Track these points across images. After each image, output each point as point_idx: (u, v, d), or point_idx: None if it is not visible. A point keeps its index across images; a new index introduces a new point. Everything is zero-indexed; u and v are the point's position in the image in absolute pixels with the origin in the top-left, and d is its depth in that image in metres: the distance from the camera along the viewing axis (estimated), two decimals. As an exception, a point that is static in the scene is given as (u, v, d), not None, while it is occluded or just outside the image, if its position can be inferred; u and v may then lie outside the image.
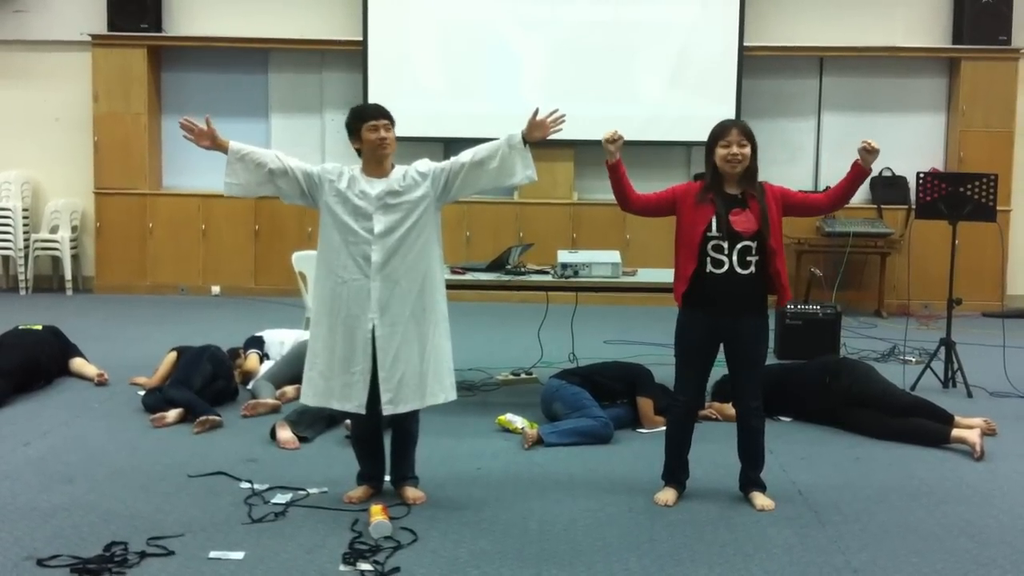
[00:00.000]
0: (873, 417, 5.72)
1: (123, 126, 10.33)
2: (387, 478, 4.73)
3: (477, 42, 10.25)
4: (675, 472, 4.71)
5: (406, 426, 4.58)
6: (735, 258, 4.44)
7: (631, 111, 10.08)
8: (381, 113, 4.48)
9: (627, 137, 11.19)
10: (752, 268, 4.46)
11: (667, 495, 4.63)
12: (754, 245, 4.45)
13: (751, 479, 4.68)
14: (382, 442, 4.68)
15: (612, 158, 4.65)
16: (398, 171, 4.51)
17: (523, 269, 6.42)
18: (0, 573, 3.77)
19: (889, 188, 10.32)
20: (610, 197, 11.45)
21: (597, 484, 4.85)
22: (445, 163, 4.57)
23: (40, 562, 3.84)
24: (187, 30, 10.54)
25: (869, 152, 4.51)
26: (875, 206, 10.20)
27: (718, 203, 4.47)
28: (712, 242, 4.45)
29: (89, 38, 10.31)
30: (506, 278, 6.27)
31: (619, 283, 6.30)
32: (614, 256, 6.37)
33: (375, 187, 4.44)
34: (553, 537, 4.20)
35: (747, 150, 4.45)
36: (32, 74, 10.66)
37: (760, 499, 4.60)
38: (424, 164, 4.56)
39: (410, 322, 4.41)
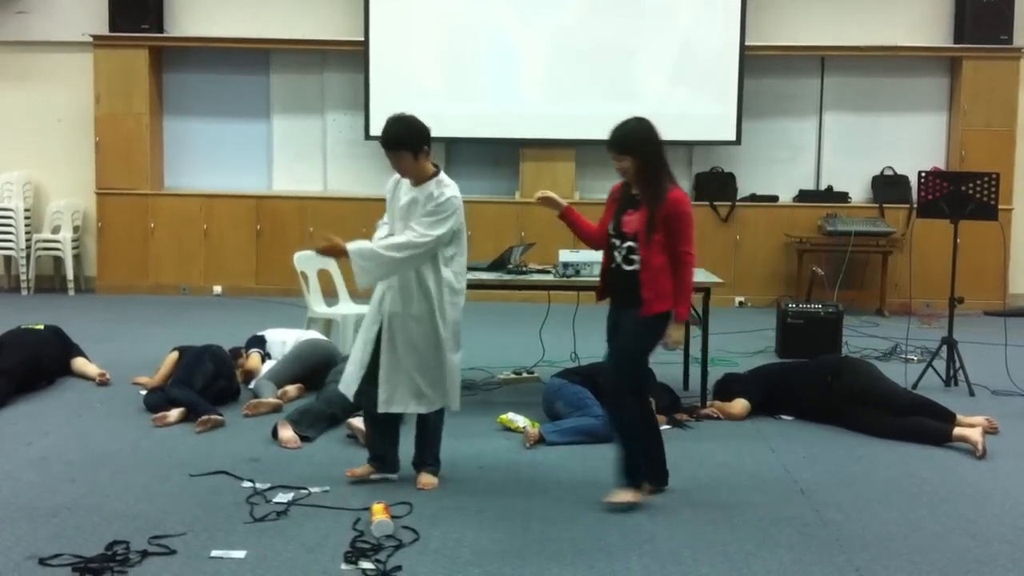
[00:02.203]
0: (875, 416, 5.72)
1: (125, 127, 10.34)
2: (393, 476, 4.79)
3: (478, 42, 10.25)
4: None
5: (426, 415, 4.78)
6: (623, 255, 4.54)
7: (632, 110, 9.95)
8: None
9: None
10: (636, 266, 4.50)
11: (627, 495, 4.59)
12: (638, 246, 4.49)
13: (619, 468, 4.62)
14: (394, 428, 4.84)
15: (558, 210, 4.80)
16: (431, 185, 4.66)
17: (525, 268, 6.42)
18: (2, 572, 3.77)
19: (891, 187, 10.32)
20: (612, 196, 11.26)
21: (598, 483, 4.84)
22: (418, 227, 4.61)
23: (42, 561, 3.84)
24: (188, 31, 10.55)
25: None
26: (877, 205, 10.20)
27: (620, 203, 4.59)
28: (611, 238, 4.60)
29: (91, 39, 10.32)
30: (508, 278, 6.28)
31: (620, 282, 6.29)
32: (616, 255, 6.36)
33: (408, 195, 4.67)
34: (555, 536, 4.20)
35: (624, 163, 4.49)
36: (34, 75, 10.67)
37: (620, 494, 4.53)
38: (446, 199, 4.62)
39: (403, 329, 4.66)
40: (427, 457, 4.84)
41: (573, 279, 6.23)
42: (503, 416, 5.76)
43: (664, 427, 5.77)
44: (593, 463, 5.15)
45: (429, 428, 4.83)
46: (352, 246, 4.55)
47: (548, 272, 6.37)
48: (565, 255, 6.36)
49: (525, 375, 6.87)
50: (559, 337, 7.32)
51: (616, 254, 4.58)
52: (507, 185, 10.47)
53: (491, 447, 5.41)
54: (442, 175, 4.72)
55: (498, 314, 8.81)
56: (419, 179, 4.68)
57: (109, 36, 10.31)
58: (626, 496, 4.53)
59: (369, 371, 4.71)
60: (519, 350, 7.41)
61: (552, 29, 10.18)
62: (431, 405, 4.72)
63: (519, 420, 5.68)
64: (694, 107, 10.11)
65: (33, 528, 4.18)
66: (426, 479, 4.77)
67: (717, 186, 10.33)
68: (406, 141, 4.62)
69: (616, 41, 10.17)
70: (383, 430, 4.84)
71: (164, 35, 10.49)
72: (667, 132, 10.03)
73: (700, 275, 6.60)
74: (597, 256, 6.33)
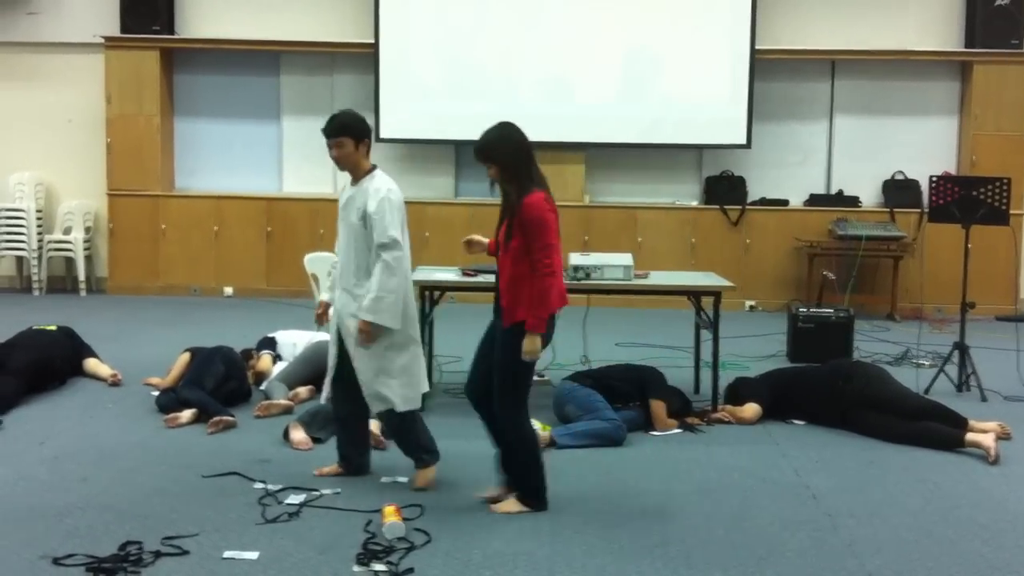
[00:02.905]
0: (886, 420, 5.71)
1: (136, 128, 10.37)
2: (396, 479, 4.76)
3: (487, 44, 10.26)
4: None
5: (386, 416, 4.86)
6: (499, 265, 4.49)
7: (643, 113, 10.08)
8: None
9: (638, 139, 11.14)
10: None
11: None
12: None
13: (511, 482, 4.57)
14: (359, 429, 4.94)
15: (484, 248, 4.74)
16: (365, 182, 4.73)
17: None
18: (16, 572, 3.78)
19: (901, 191, 10.30)
20: (621, 199, 11.44)
21: (609, 486, 4.86)
22: (378, 234, 4.61)
23: (56, 561, 3.85)
24: (199, 32, 10.58)
25: None
26: (888, 209, 10.18)
27: (502, 214, 4.50)
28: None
29: (102, 40, 10.35)
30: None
31: (632, 286, 6.29)
32: (626, 259, 6.36)
33: (347, 194, 4.80)
34: (565, 539, 4.20)
35: (492, 171, 4.43)
36: (45, 76, 10.71)
37: (505, 504, 4.52)
38: (375, 201, 4.62)
39: (350, 328, 4.72)
40: (411, 454, 4.84)
41: (583, 282, 6.23)
42: (514, 419, 5.74)
43: (675, 431, 5.79)
44: (604, 467, 5.15)
45: (391, 428, 4.87)
46: (364, 313, 4.59)
47: (559, 275, 6.35)
48: (575, 258, 6.36)
49: (536, 378, 6.83)
50: (569, 340, 7.31)
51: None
52: (517, 188, 10.46)
53: (502, 450, 5.40)
54: (377, 172, 4.76)
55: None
56: (356, 174, 4.77)
57: (120, 37, 10.34)
58: (511, 506, 4.50)
59: (336, 372, 4.80)
60: (529, 353, 7.39)
61: (561, 32, 10.17)
62: (380, 405, 4.74)
63: (530, 423, 5.66)
64: (704, 110, 10.11)
65: (46, 528, 4.19)
66: (419, 476, 4.79)
67: (727, 189, 10.32)
68: (349, 128, 4.70)
69: (626, 44, 10.17)
70: (347, 430, 4.93)
71: (175, 37, 10.52)
72: (677, 135, 10.22)
73: (711, 279, 6.62)
74: (608, 259, 6.37)
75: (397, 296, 4.59)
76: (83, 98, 10.57)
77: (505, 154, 4.39)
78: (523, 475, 4.53)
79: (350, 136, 4.68)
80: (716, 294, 6.23)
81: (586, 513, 4.50)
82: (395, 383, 4.69)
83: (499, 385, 4.47)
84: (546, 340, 4.43)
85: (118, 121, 10.37)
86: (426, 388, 4.90)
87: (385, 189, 4.66)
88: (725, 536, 4.27)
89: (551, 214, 4.34)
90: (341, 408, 4.88)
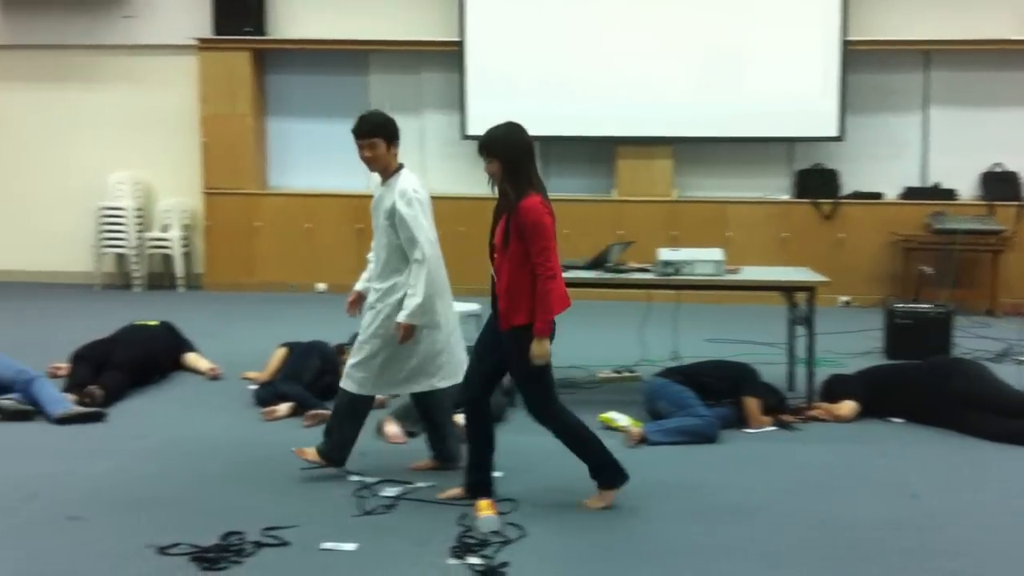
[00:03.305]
0: (988, 419, 5.56)
1: (229, 127, 10.59)
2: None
3: (573, 41, 10.21)
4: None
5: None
6: (495, 267, 4.42)
7: (732, 106, 9.95)
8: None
9: (728, 134, 10.98)
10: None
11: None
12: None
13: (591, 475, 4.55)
14: (429, 420, 5.02)
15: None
16: (392, 181, 4.77)
17: (623, 267, 6.38)
18: (121, 560, 3.90)
19: (1000, 184, 9.99)
20: (710, 194, 11.30)
21: (702, 485, 4.81)
22: (407, 234, 4.67)
23: (161, 550, 3.96)
24: (289, 33, 10.75)
25: None
26: (986, 202, 9.88)
27: (496, 215, 4.44)
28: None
29: (195, 42, 10.59)
30: (607, 276, 6.24)
31: (724, 281, 6.22)
32: (717, 254, 6.29)
33: (377, 193, 4.85)
34: (658, 535, 4.18)
35: (492, 167, 4.37)
36: (141, 77, 11.00)
37: (593, 500, 4.51)
38: (403, 201, 4.67)
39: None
40: (325, 434, 4.93)
41: (673, 277, 6.18)
42: (604, 415, 5.73)
43: (769, 428, 5.71)
44: (696, 464, 5.11)
45: (337, 403, 4.99)
46: (407, 317, 4.64)
47: (647, 271, 6.32)
48: (665, 253, 6.30)
49: (626, 374, 6.83)
50: (659, 336, 7.27)
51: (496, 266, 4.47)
52: (603, 183, 10.44)
53: (593, 445, 5.39)
54: (404, 171, 4.81)
55: (595, 312, 8.77)
56: (385, 173, 4.80)
57: (213, 39, 10.57)
58: (598, 501, 4.49)
59: None
60: (619, 349, 7.38)
61: (648, 27, 10.08)
62: (345, 381, 4.93)
63: (621, 419, 5.65)
64: (794, 102, 9.94)
65: (150, 518, 4.32)
66: (307, 449, 4.89)
67: (819, 183, 10.14)
68: (382, 128, 4.75)
69: (714, 37, 10.06)
70: (425, 424, 5.07)
71: (266, 38, 10.71)
72: (767, 128, 10.10)
73: (804, 274, 6.51)
74: (699, 255, 6.30)
75: (426, 293, 4.64)
76: (178, 99, 10.82)
77: (507, 152, 4.39)
78: (593, 462, 4.51)
79: (383, 137, 4.74)
80: (810, 289, 6.13)
81: (680, 510, 4.47)
82: (371, 367, 4.80)
83: (520, 391, 4.52)
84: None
85: (212, 121, 10.61)
86: (422, 387, 4.89)
87: (411, 189, 4.71)
88: (823, 535, 4.20)
89: (548, 217, 4.34)
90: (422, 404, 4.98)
